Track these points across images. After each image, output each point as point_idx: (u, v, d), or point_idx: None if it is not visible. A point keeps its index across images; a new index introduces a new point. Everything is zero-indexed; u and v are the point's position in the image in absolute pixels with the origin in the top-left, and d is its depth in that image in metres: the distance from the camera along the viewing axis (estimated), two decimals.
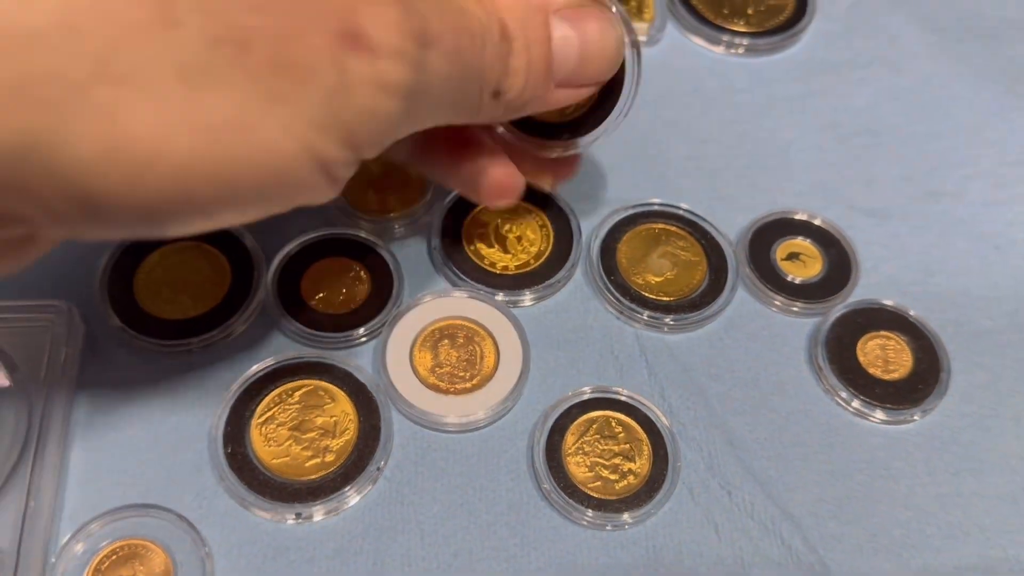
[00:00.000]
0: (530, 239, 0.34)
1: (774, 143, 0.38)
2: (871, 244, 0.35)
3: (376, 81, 0.20)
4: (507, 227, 0.34)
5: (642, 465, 0.29)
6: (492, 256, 0.33)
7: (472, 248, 0.33)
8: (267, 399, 0.29)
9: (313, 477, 0.28)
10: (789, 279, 0.34)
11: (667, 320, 0.32)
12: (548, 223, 0.34)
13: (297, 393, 0.30)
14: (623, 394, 0.30)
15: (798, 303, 0.33)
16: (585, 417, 0.30)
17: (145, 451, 0.29)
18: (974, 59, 0.41)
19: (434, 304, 0.32)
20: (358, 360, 0.31)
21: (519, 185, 0.30)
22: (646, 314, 0.32)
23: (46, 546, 0.27)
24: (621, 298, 0.33)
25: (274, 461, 0.28)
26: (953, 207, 0.37)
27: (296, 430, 0.29)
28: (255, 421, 0.29)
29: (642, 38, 0.40)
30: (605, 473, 0.29)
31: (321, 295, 0.32)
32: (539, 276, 0.33)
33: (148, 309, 0.31)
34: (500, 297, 0.32)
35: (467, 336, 0.31)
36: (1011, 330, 0.33)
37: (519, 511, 0.29)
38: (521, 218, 0.34)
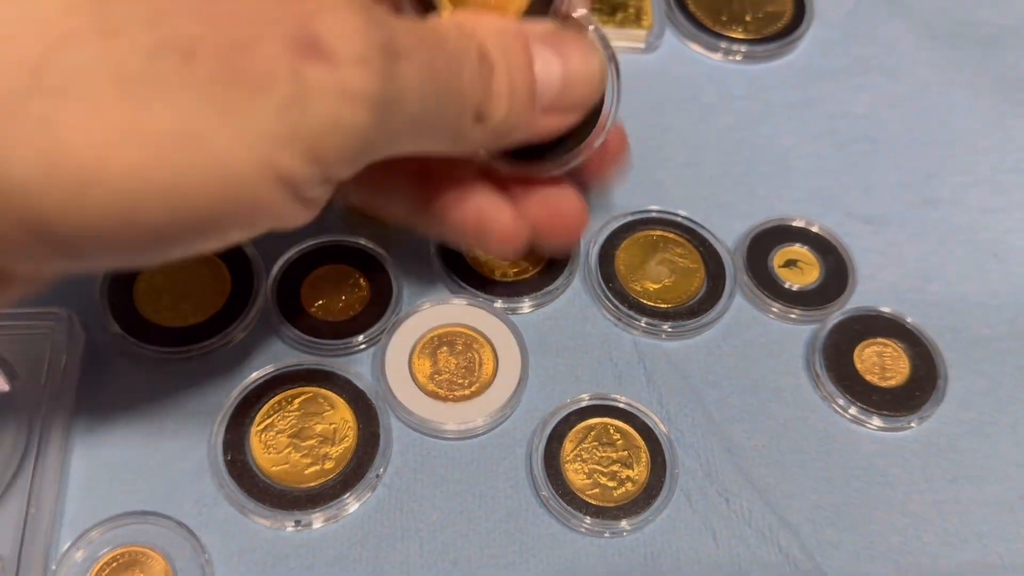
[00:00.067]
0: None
1: (772, 150, 0.38)
2: (868, 251, 0.35)
3: (338, 90, 0.19)
4: None
5: (640, 472, 0.29)
6: (491, 263, 0.34)
7: (471, 255, 0.34)
8: (267, 406, 0.30)
9: (312, 484, 0.28)
10: (787, 286, 0.34)
11: (665, 327, 0.32)
12: None
13: (296, 400, 0.30)
14: (621, 401, 0.31)
15: (796, 310, 0.33)
16: (583, 424, 0.30)
17: (145, 458, 0.29)
18: (972, 66, 0.41)
19: (433, 311, 0.32)
20: (357, 367, 0.31)
21: (523, 233, 0.28)
22: (644, 321, 0.32)
23: (46, 553, 0.27)
24: (619, 305, 0.33)
25: (273, 468, 0.29)
26: (951, 214, 0.37)
27: (295, 437, 0.29)
28: (255, 428, 0.29)
29: (640, 45, 0.40)
30: (603, 480, 0.29)
31: (320, 302, 0.32)
32: (537, 283, 0.33)
33: (148, 316, 0.31)
34: (499, 304, 0.33)
35: (466, 343, 0.31)
36: (1009, 337, 0.34)
37: (517, 518, 0.29)
38: None
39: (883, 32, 0.42)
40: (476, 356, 0.31)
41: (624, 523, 0.28)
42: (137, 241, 0.19)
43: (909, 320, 0.33)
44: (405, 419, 0.30)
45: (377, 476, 0.29)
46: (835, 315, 0.33)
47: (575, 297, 0.34)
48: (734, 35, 0.41)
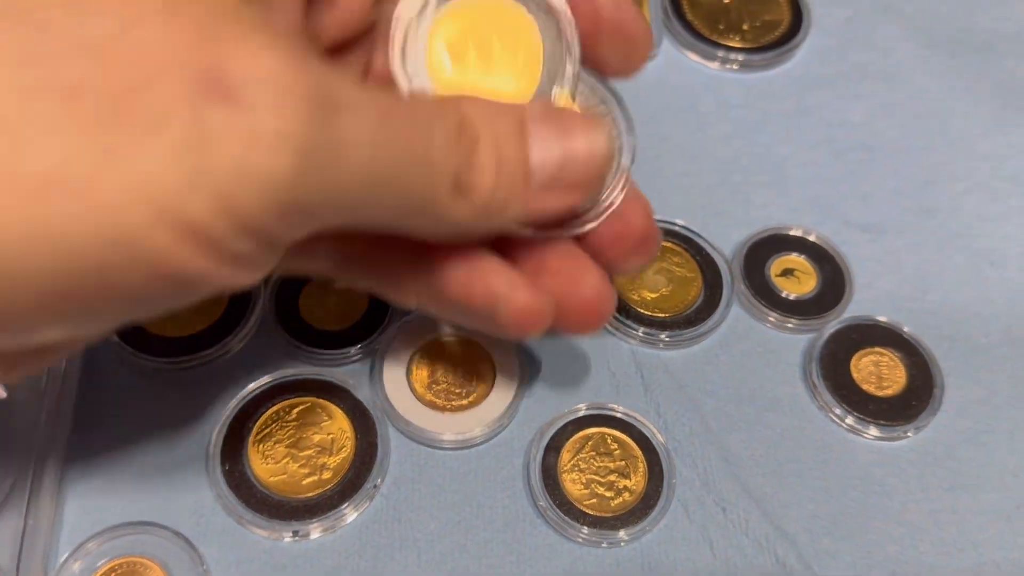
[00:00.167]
0: None
1: (769, 158, 0.38)
2: (865, 260, 0.35)
3: (246, 133, 0.17)
4: None
5: (637, 482, 0.29)
6: None
7: None
8: (264, 416, 0.30)
9: (310, 495, 0.28)
10: (783, 295, 0.34)
11: (663, 336, 0.33)
12: None
13: (294, 410, 0.30)
14: (619, 411, 0.31)
15: (793, 319, 0.33)
16: (581, 434, 0.30)
17: (143, 469, 0.29)
18: (969, 73, 0.41)
19: (431, 321, 0.32)
20: (355, 377, 0.31)
21: (544, 311, 0.25)
22: (641, 331, 0.32)
23: (45, 564, 0.27)
24: (617, 315, 0.33)
25: (271, 479, 0.29)
26: (948, 222, 0.37)
27: (293, 447, 0.29)
28: (252, 439, 0.29)
29: None
30: (601, 490, 0.29)
31: (318, 313, 0.32)
32: None
33: (146, 327, 0.31)
34: None
35: (464, 353, 0.32)
36: (1005, 346, 0.34)
37: (515, 528, 0.29)
38: None
39: (880, 40, 0.42)
40: (474, 366, 0.31)
41: (622, 533, 0.28)
42: (17, 308, 0.17)
43: (906, 329, 0.33)
44: (403, 429, 0.30)
45: (375, 486, 0.29)
46: (832, 324, 0.33)
47: None
48: (731, 44, 0.41)
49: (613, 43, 0.26)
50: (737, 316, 0.34)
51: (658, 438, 0.30)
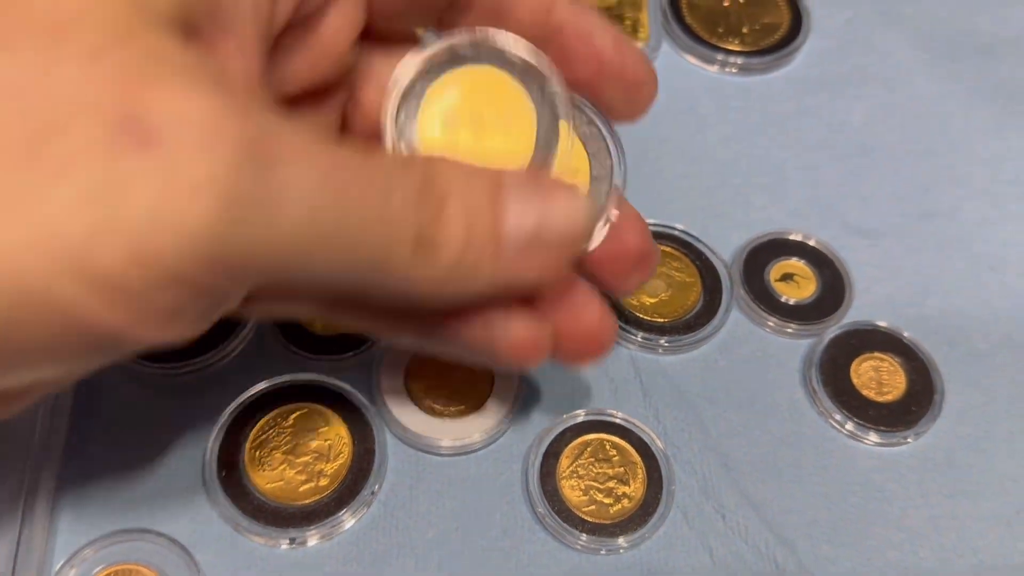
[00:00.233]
0: None
1: (769, 162, 0.38)
2: (865, 265, 0.35)
3: (165, 180, 0.16)
4: None
5: (636, 488, 0.29)
6: None
7: None
8: (261, 423, 0.29)
9: (307, 501, 0.28)
10: (783, 300, 0.34)
11: (662, 341, 0.32)
12: None
13: (291, 416, 0.30)
14: (618, 417, 0.30)
15: (792, 324, 0.33)
16: (580, 440, 0.30)
17: (139, 475, 0.29)
18: (968, 77, 0.41)
19: None
20: (353, 383, 0.31)
21: (542, 343, 0.24)
22: (640, 336, 0.32)
23: (40, 571, 0.27)
24: (616, 319, 0.33)
25: (268, 486, 0.28)
26: (947, 226, 0.37)
27: (290, 454, 0.29)
28: (249, 445, 0.29)
29: None
30: (599, 497, 0.29)
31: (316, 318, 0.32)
32: None
33: None
34: None
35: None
36: (1005, 351, 0.33)
37: (513, 536, 0.29)
38: None
39: (880, 43, 0.42)
40: (472, 371, 0.31)
41: (621, 540, 0.28)
42: None
43: (906, 334, 0.33)
44: (400, 435, 0.30)
45: (372, 493, 0.29)
46: (832, 329, 0.33)
47: None
48: (731, 47, 0.41)
49: (617, 87, 0.25)
50: (736, 321, 0.34)
51: (657, 444, 0.30)
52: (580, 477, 0.29)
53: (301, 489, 0.29)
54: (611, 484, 0.29)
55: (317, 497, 0.28)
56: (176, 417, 0.30)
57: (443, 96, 0.24)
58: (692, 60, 0.41)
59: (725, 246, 0.35)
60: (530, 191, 0.22)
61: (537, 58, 0.24)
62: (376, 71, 0.26)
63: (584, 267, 0.26)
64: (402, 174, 0.20)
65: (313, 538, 0.28)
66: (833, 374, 0.32)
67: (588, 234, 0.23)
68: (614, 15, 0.41)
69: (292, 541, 0.28)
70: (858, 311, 0.34)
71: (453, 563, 0.28)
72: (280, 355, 0.31)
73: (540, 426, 0.30)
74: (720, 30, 0.41)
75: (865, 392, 0.32)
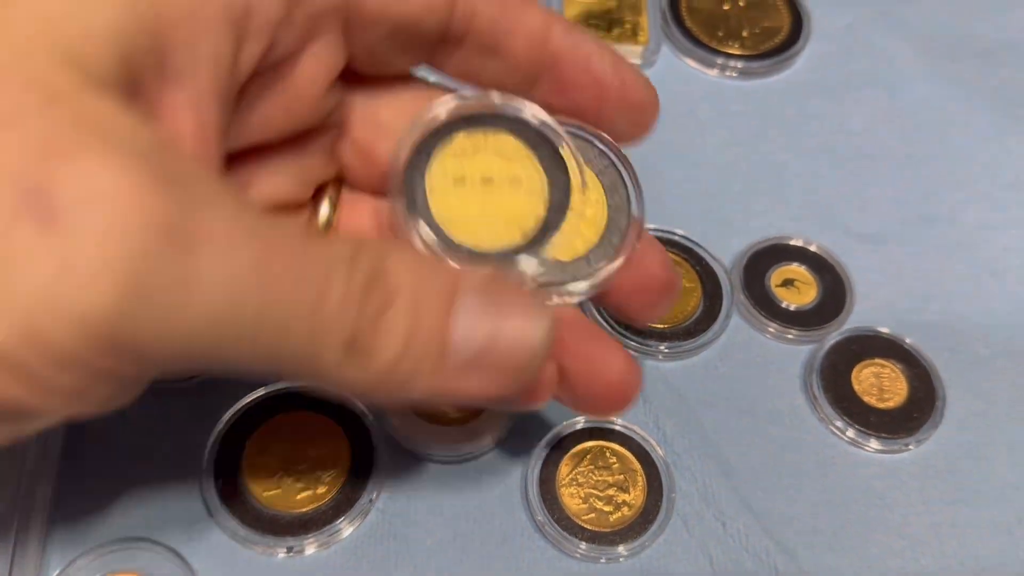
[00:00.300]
0: None
1: (769, 166, 0.38)
2: (866, 270, 0.35)
3: (61, 261, 0.15)
4: None
5: (636, 496, 0.29)
6: None
7: None
8: (259, 430, 0.29)
9: (305, 509, 0.28)
10: (784, 306, 0.33)
11: (662, 348, 0.32)
12: None
13: (289, 424, 0.30)
14: (617, 424, 0.30)
15: (793, 330, 0.33)
16: (579, 447, 0.30)
17: (135, 484, 0.29)
18: (969, 81, 0.41)
19: None
20: None
21: (547, 385, 0.23)
22: (640, 341, 0.32)
23: None
24: (615, 326, 0.32)
25: (266, 494, 0.28)
26: (948, 231, 0.36)
27: (288, 462, 0.29)
28: (247, 453, 0.29)
29: (637, 61, 0.40)
30: (599, 504, 0.29)
31: None
32: None
33: None
34: None
35: None
36: (1006, 357, 0.33)
37: (512, 544, 0.28)
38: None
39: (881, 47, 0.42)
40: None
41: (621, 548, 0.28)
42: None
43: (907, 341, 0.33)
44: (399, 442, 0.30)
45: (371, 501, 0.29)
46: (833, 335, 0.33)
47: None
48: (731, 51, 0.40)
49: (619, 110, 0.25)
50: (737, 327, 0.33)
51: (657, 451, 0.30)
52: (580, 484, 0.29)
53: (299, 497, 0.28)
54: (611, 492, 0.29)
55: (315, 505, 0.28)
56: (173, 425, 0.30)
57: (454, 153, 0.24)
58: (692, 64, 0.41)
59: (725, 251, 0.35)
60: (486, 302, 0.20)
61: (550, 124, 0.24)
62: (372, 111, 0.25)
63: (609, 299, 0.25)
64: (348, 267, 0.19)
65: (311, 546, 0.28)
66: (834, 380, 0.32)
67: (541, 359, 0.21)
68: (614, 18, 0.41)
69: (290, 550, 0.28)
70: (859, 317, 0.34)
71: (452, 571, 0.28)
72: None
73: (539, 433, 0.30)
74: (720, 34, 0.41)
75: (866, 398, 0.32)
